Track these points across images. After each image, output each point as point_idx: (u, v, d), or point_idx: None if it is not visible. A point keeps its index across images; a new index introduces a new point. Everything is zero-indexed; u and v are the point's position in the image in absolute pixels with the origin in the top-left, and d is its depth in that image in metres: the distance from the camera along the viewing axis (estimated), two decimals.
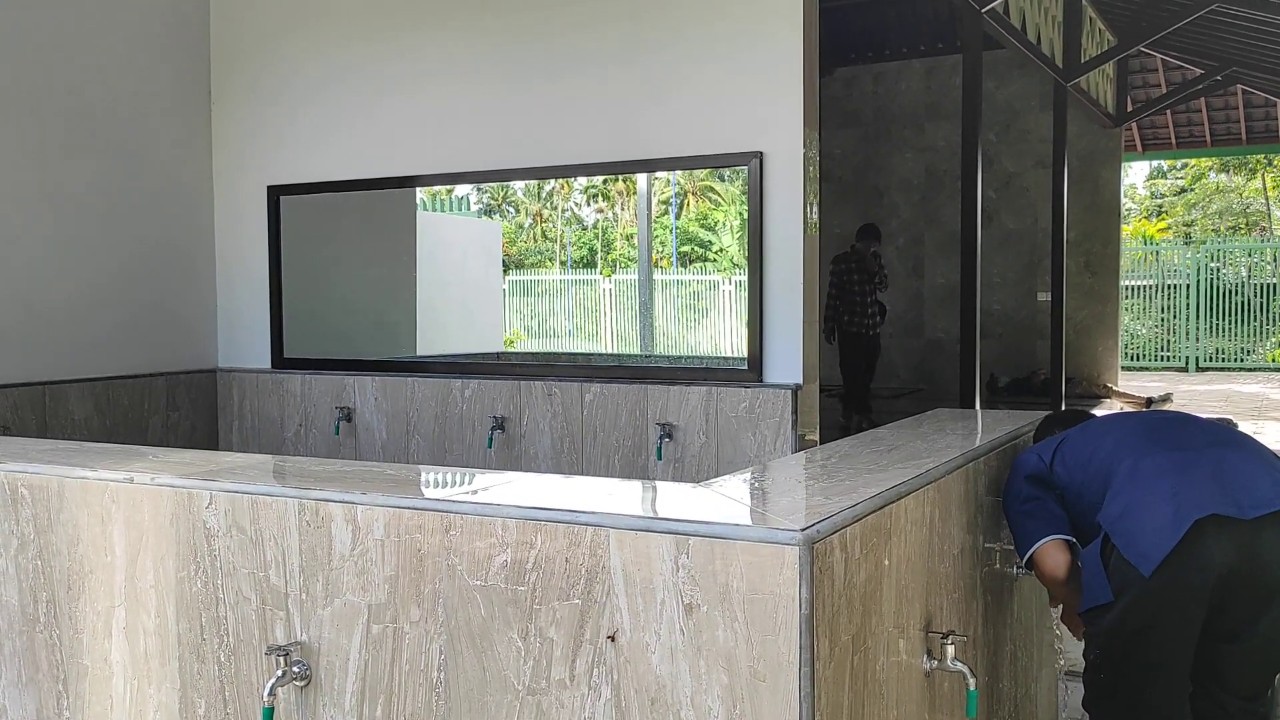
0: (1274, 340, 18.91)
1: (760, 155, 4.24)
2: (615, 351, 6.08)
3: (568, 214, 6.12)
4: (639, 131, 4.51)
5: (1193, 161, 25.00)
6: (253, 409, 5.40)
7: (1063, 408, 10.83)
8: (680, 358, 5.60)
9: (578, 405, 4.60)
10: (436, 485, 2.13)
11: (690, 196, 6.13)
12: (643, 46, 4.51)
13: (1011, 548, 2.76)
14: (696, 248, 6.31)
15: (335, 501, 1.94)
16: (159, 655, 2.16)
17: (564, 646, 1.74)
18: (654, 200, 5.53)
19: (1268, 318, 18.78)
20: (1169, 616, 2.44)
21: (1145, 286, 19.32)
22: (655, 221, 5.59)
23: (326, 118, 5.21)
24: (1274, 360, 18.57)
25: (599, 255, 6.24)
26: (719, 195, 5.80)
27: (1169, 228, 26.22)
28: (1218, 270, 19.21)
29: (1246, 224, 26.18)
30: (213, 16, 5.45)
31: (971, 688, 2.10)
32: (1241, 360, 18.76)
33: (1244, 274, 19.27)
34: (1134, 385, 14.94)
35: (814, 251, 4.27)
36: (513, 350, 5.95)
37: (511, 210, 6.18)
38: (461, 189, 5.54)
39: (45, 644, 2.31)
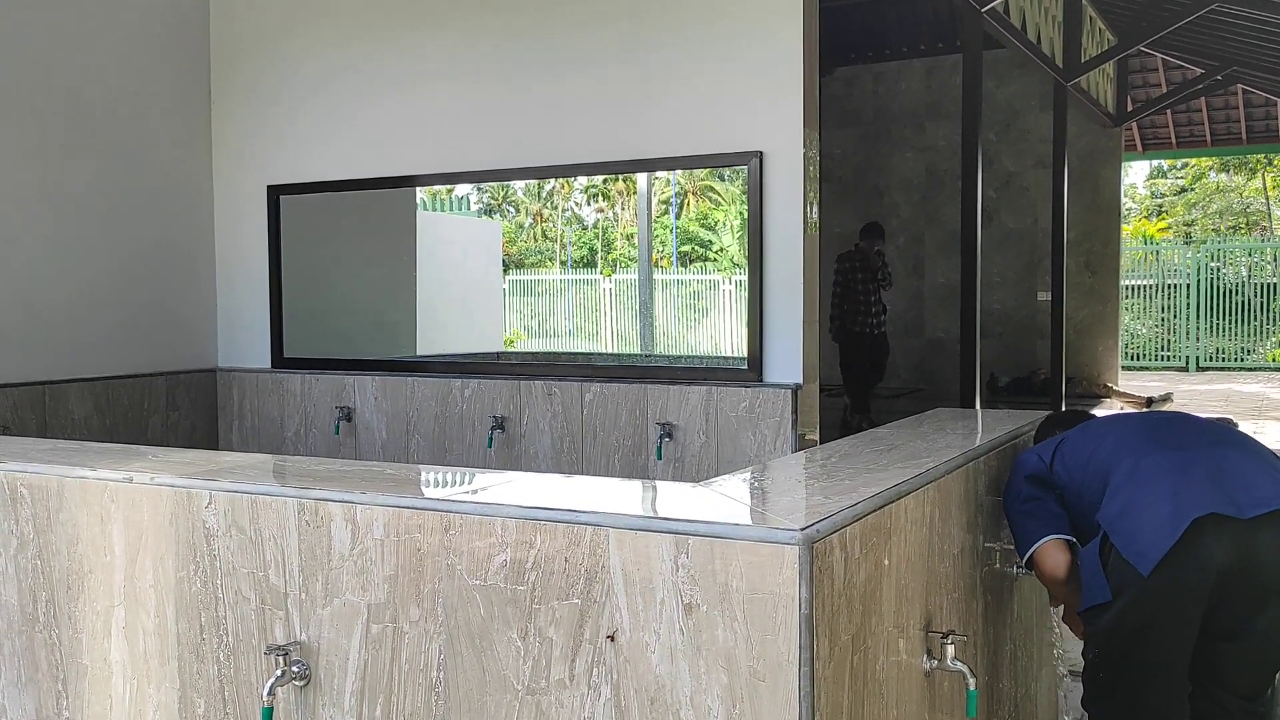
0: (1274, 340, 18.91)
1: (760, 155, 4.24)
2: (615, 351, 6.07)
3: (568, 214, 6.12)
4: (639, 131, 4.51)
5: (1193, 161, 25.00)
6: (253, 409, 5.40)
7: (1063, 407, 10.83)
8: (680, 357, 5.60)
9: (578, 405, 4.60)
10: (436, 485, 2.13)
11: (690, 196, 6.13)
12: (642, 46, 4.51)
13: (1011, 547, 2.76)
14: (697, 247, 6.31)
15: (335, 501, 1.94)
16: (158, 655, 2.16)
17: (563, 646, 1.74)
18: (654, 200, 5.53)
19: (1268, 317, 18.78)
20: (1167, 616, 2.44)
21: (1145, 286, 19.32)
22: (655, 221, 5.59)
23: (326, 117, 5.21)
24: (1274, 360, 18.57)
25: (599, 255, 6.24)
26: (719, 195, 5.80)
27: (1169, 227, 26.22)
28: (1218, 270, 19.21)
29: (1247, 224, 26.18)
30: (213, 16, 5.45)
31: (971, 687, 2.10)
32: (1242, 360, 18.75)
33: (1244, 274, 19.27)
34: (1134, 385, 14.94)
35: (814, 251, 4.27)
36: (513, 350, 5.95)
37: (511, 210, 6.17)
38: (461, 188, 5.54)
39: (45, 644, 2.31)
